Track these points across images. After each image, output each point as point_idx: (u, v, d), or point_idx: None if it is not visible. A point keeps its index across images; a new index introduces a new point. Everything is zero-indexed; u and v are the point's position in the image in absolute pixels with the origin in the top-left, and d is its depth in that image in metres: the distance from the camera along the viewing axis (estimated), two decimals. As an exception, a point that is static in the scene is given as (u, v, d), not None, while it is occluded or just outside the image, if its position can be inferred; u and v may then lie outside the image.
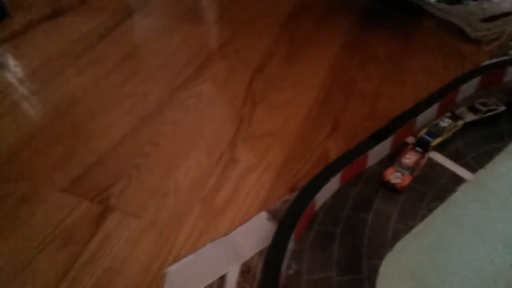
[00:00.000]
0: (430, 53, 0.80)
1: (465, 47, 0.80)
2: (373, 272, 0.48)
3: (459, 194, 0.55)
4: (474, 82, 0.69)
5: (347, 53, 0.81)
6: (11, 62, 0.82)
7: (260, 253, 0.50)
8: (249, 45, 0.83)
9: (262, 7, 0.93)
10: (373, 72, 0.77)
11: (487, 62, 0.74)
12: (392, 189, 0.56)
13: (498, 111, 0.65)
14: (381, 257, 0.49)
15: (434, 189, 0.56)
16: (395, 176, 0.56)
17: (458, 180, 0.57)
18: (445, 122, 0.63)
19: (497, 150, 0.60)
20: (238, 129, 0.67)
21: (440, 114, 0.65)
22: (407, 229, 0.52)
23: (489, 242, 0.50)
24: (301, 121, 0.67)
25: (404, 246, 0.50)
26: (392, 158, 0.59)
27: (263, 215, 0.54)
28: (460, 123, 0.63)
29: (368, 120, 0.67)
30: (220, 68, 0.79)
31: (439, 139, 0.61)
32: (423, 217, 0.53)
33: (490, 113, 0.64)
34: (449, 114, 0.64)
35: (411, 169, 0.57)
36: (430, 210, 0.54)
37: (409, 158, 0.58)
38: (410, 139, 0.63)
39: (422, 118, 0.64)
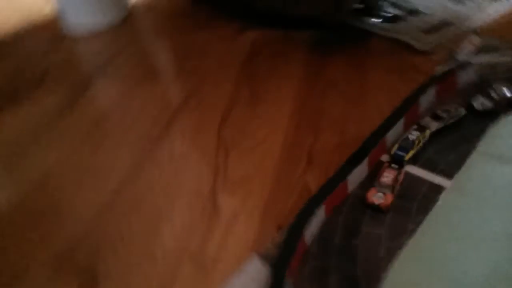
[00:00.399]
0: (385, 70, 0.83)
1: (416, 59, 0.84)
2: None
3: (441, 203, 0.56)
4: (432, 91, 0.72)
5: (308, 84, 0.83)
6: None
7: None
8: (211, 93, 0.84)
9: (217, 53, 0.96)
10: (336, 98, 0.79)
11: (440, 71, 0.78)
12: (377, 209, 0.57)
13: (460, 115, 0.68)
14: (378, 279, 0.49)
15: (417, 202, 0.57)
16: (377, 197, 0.57)
17: (438, 189, 0.58)
18: (413, 135, 0.65)
19: (467, 153, 0.62)
20: (216, 178, 0.67)
21: (407, 128, 0.67)
22: (399, 246, 0.51)
23: (481, 244, 0.51)
24: (276, 160, 0.68)
25: (398, 267, 0.50)
26: (371, 179, 0.60)
27: (255, 260, 0.54)
28: (427, 133, 0.65)
29: (340, 147, 0.68)
30: (187, 121, 0.79)
31: (411, 152, 0.63)
32: (412, 232, 0.53)
33: (452, 120, 0.67)
34: (415, 126, 0.67)
35: (391, 187, 0.58)
36: (418, 223, 0.54)
37: (387, 176, 0.59)
38: (385, 157, 0.64)
39: (391, 134, 0.65)
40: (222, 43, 0.99)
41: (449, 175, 0.60)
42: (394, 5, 0.96)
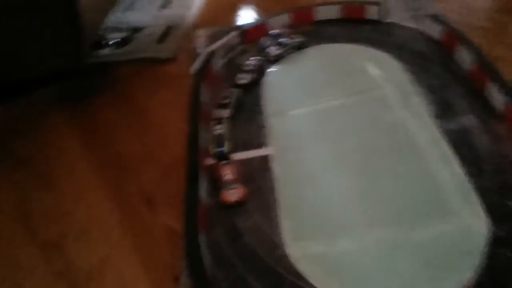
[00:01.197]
0: (152, 90, 0.85)
1: (168, 68, 0.89)
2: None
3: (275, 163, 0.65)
4: (204, 87, 0.79)
5: (93, 141, 0.77)
6: None
7: None
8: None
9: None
10: (128, 136, 0.76)
11: (195, 68, 0.85)
12: (238, 204, 0.61)
13: (238, 96, 0.77)
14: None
15: (259, 180, 0.64)
16: (232, 194, 0.61)
17: (265, 159, 0.66)
18: (218, 129, 0.70)
19: (256, 121, 0.73)
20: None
21: (207, 127, 0.72)
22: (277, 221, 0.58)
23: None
24: (121, 225, 0.63)
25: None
26: (215, 185, 0.63)
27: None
28: (225, 121, 0.72)
29: (165, 176, 0.68)
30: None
31: (227, 143, 0.69)
32: (274, 205, 0.60)
33: (234, 101, 0.76)
34: (212, 122, 0.72)
35: (233, 180, 0.63)
36: (276, 191, 0.62)
37: (227, 174, 0.64)
38: (209, 161, 0.68)
39: (201, 139, 0.69)
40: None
41: (261, 144, 0.69)
42: (115, 29, 0.97)
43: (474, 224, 0.54)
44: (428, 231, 0.54)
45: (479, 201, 0.55)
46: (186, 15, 1.00)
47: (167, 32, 0.96)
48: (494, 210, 0.55)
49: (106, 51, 0.92)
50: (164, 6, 1.04)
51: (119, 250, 0.60)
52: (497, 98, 0.65)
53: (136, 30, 0.97)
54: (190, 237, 0.55)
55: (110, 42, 0.94)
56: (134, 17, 1.01)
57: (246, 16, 1.02)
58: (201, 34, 0.93)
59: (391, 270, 0.51)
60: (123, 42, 0.94)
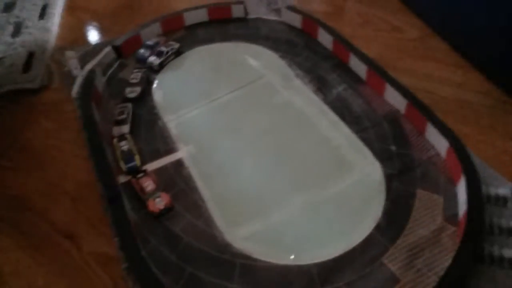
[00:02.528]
0: (30, 121, 0.77)
1: (44, 97, 0.82)
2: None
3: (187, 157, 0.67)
4: (95, 110, 0.75)
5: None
6: None
7: None
8: None
9: None
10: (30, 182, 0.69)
11: (76, 91, 0.80)
12: (167, 211, 0.61)
13: (130, 110, 0.76)
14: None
15: (180, 183, 0.65)
16: (158, 203, 0.61)
17: (179, 162, 0.68)
18: (123, 145, 0.69)
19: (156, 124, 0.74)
20: None
21: (111, 146, 0.70)
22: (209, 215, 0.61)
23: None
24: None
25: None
26: (139, 200, 0.62)
27: None
28: (128, 136, 0.71)
29: (77, 210, 0.64)
30: None
31: (137, 157, 0.68)
32: (202, 201, 0.62)
33: (129, 115, 0.75)
34: (116, 139, 0.70)
35: (155, 189, 0.63)
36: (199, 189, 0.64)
37: (147, 185, 0.63)
38: (123, 178, 0.66)
39: (109, 160, 0.67)
40: None
41: (169, 150, 0.70)
42: (-37, 66, 0.85)
43: (370, 170, 0.65)
44: (338, 185, 0.63)
45: (369, 151, 0.67)
46: (48, 39, 0.92)
47: (31, 59, 0.88)
48: (380, 155, 0.67)
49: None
50: (16, 32, 0.95)
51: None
52: (359, 67, 0.79)
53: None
54: (132, 254, 0.54)
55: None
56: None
57: (106, 32, 0.99)
58: (72, 55, 0.87)
59: (318, 224, 0.59)
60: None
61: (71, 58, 0.88)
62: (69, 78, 0.84)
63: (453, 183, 0.62)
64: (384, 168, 0.65)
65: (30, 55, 0.89)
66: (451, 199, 0.60)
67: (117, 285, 0.55)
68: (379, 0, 1.03)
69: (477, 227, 0.54)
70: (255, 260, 0.55)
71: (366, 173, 0.64)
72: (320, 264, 0.55)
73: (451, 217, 0.58)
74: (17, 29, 0.96)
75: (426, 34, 0.92)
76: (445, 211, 0.59)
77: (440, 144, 0.65)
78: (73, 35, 0.99)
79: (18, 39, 0.93)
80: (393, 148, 0.67)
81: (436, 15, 0.91)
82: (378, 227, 0.58)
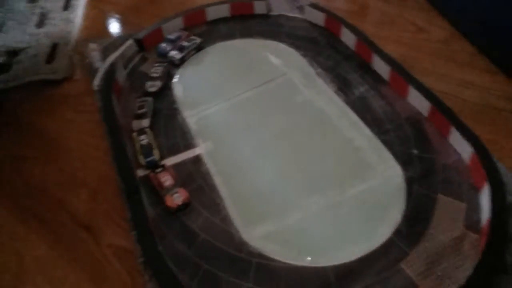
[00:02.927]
0: (53, 112, 0.78)
1: (65, 88, 0.83)
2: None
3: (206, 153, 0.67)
4: (116, 103, 0.76)
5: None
6: None
7: None
8: None
9: None
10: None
11: (97, 84, 0.81)
12: (185, 207, 0.61)
13: (151, 106, 0.77)
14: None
15: (198, 179, 0.65)
16: (176, 198, 0.61)
17: (197, 158, 0.68)
18: (142, 139, 0.69)
19: (176, 119, 0.74)
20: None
21: (129, 139, 0.70)
22: (226, 213, 0.61)
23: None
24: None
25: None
26: (157, 195, 0.63)
27: None
28: (147, 130, 0.71)
29: (96, 203, 0.65)
30: None
31: (156, 151, 0.68)
32: (219, 198, 0.62)
33: (151, 110, 0.75)
34: (135, 133, 0.71)
35: (173, 185, 0.63)
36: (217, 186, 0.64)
37: (166, 180, 0.63)
38: (141, 172, 0.67)
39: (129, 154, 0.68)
40: None
41: (189, 145, 0.70)
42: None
43: (391, 173, 0.64)
44: (358, 188, 0.62)
45: (389, 154, 0.66)
46: (71, 30, 0.93)
47: (54, 50, 0.89)
48: (401, 158, 0.65)
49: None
50: (41, 23, 0.96)
51: (69, 286, 0.55)
52: (382, 67, 0.77)
53: (14, 53, 0.88)
54: (149, 249, 0.54)
55: (-12, 70, 0.84)
56: (9, 39, 0.91)
57: (128, 25, 1.00)
58: (95, 48, 0.88)
59: (336, 226, 0.58)
60: (2, 67, 0.85)
61: (94, 50, 0.89)
62: (91, 70, 0.85)
63: (476, 190, 0.60)
64: (405, 172, 0.63)
65: (54, 46, 0.90)
66: (474, 206, 0.59)
67: (134, 279, 0.55)
68: (404, 0, 1.01)
69: (500, 236, 0.53)
70: (272, 259, 0.55)
71: (387, 176, 0.63)
72: (337, 267, 0.54)
73: (473, 224, 0.56)
74: (42, 20, 0.97)
75: (453, 35, 0.90)
76: (467, 218, 0.57)
77: (464, 149, 0.64)
78: (95, 27, 0.99)
79: (42, 30, 0.94)
80: (414, 151, 0.66)
81: (463, 17, 0.89)
82: (397, 232, 0.57)
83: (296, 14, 0.95)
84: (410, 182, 0.62)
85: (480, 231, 0.56)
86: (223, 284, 0.53)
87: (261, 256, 0.55)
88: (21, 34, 0.93)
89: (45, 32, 0.93)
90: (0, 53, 0.88)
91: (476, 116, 0.72)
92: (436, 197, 0.60)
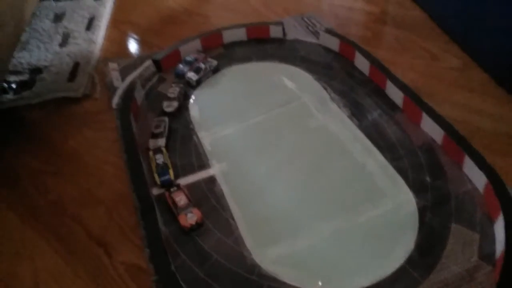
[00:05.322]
0: (71, 129, 0.81)
1: (85, 106, 0.85)
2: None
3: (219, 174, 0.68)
4: (132, 122, 0.78)
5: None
6: None
7: None
8: None
9: None
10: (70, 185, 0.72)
11: (116, 102, 0.83)
12: (198, 227, 0.62)
13: (166, 123, 0.78)
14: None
15: (212, 200, 0.66)
16: (190, 218, 0.62)
17: (211, 179, 0.69)
18: (158, 158, 0.71)
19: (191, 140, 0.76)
20: None
21: (146, 157, 0.72)
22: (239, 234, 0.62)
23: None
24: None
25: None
26: (171, 214, 0.64)
27: None
28: (163, 150, 0.72)
29: (111, 215, 0.66)
30: None
31: (171, 171, 0.69)
32: (232, 219, 0.63)
33: (166, 129, 0.77)
34: (151, 152, 0.72)
35: (187, 205, 0.64)
36: (230, 207, 0.65)
37: (180, 200, 0.64)
38: (156, 191, 0.68)
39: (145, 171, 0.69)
40: None
41: (202, 166, 0.72)
42: (13, 72, 0.90)
43: (403, 200, 0.64)
44: (370, 213, 0.62)
45: (402, 181, 0.66)
46: (93, 50, 0.97)
47: (76, 69, 0.92)
48: (414, 185, 0.66)
49: (9, 96, 0.85)
50: (64, 42, 0.99)
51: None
52: (395, 93, 0.78)
53: (37, 70, 0.91)
54: (162, 267, 0.55)
55: (13, 86, 0.86)
56: (33, 57, 0.94)
57: (147, 46, 1.03)
58: (114, 67, 0.91)
59: (348, 251, 0.59)
60: (26, 84, 0.88)
61: (113, 70, 0.91)
62: (110, 89, 0.88)
63: (490, 220, 0.60)
64: (418, 199, 0.63)
65: (75, 65, 0.93)
66: (488, 236, 0.58)
67: (147, 298, 0.56)
68: (418, 27, 1.02)
69: (515, 269, 0.52)
70: (283, 283, 0.55)
71: (399, 203, 0.63)
72: (349, 293, 0.54)
73: (487, 255, 0.56)
74: (65, 39, 1.00)
75: (466, 63, 0.90)
76: (481, 248, 0.57)
77: (477, 178, 0.64)
78: (116, 47, 1.03)
79: (65, 49, 0.97)
80: (428, 179, 0.66)
81: (477, 45, 0.90)
82: (409, 260, 0.56)
83: (311, 39, 0.97)
84: (423, 210, 0.62)
85: (495, 262, 0.55)
86: (234, 306, 0.54)
87: (272, 279, 0.56)
88: (44, 53, 0.96)
89: (68, 51, 0.96)
90: (24, 71, 0.91)
91: (489, 144, 0.72)
92: (449, 226, 0.60)
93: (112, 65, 0.92)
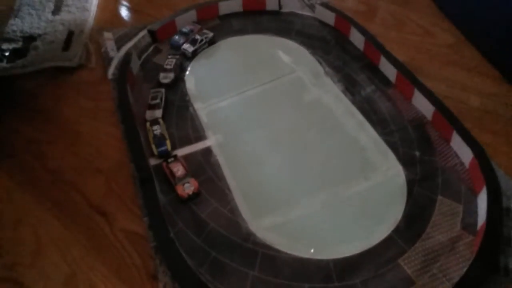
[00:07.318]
0: (67, 99, 0.81)
1: (82, 75, 0.85)
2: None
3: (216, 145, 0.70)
4: (129, 91, 0.78)
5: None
6: None
7: None
8: None
9: None
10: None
11: (112, 72, 0.83)
12: (195, 196, 0.64)
13: (162, 95, 0.79)
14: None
15: (208, 170, 0.68)
16: (187, 188, 0.64)
17: (208, 150, 0.71)
18: (155, 129, 0.72)
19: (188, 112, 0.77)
20: None
21: (142, 128, 0.73)
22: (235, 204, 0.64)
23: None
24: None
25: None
26: (168, 184, 0.66)
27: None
28: (160, 121, 0.74)
29: (110, 184, 0.68)
30: None
31: (168, 142, 0.71)
32: (228, 189, 0.65)
33: (163, 100, 0.78)
34: (148, 123, 0.73)
35: (185, 175, 0.66)
36: (226, 177, 0.67)
37: (178, 170, 0.66)
38: (154, 161, 0.69)
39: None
40: None
41: (198, 137, 0.73)
42: (6, 40, 0.89)
43: (393, 173, 0.66)
44: (361, 186, 0.65)
45: (393, 155, 0.69)
46: (86, 18, 0.95)
47: (70, 38, 0.91)
48: (404, 159, 0.68)
49: (3, 63, 0.84)
50: (56, 10, 0.97)
51: (84, 266, 0.59)
52: (389, 69, 0.80)
53: (31, 38, 0.90)
54: (161, 235, 0.57)
55: (6, 54, 0.85)
56: (26, 25, 0.93)
57: (142, 16, 1.01)
58: (109, 37, 0.90)
59: (339, 222, 0.61)
60: (20, 52, 0.87)
61: (109, 40, 0.91)
62: (106, 59, 0.87)
63: (474, 193, 0.63)
64: (407, 173, 0.66)
65: (69, 34, 0.92)
66: (471, 208, 0.61)
67: (145, 262, 0.58)
68: (413, 3, 1.02)
69: (494, 239, 0.56)
70: (277, 251, 0.58)
71: (389, 176, 0.66)
72: (338, 260, 0.57)
73: (469, 226, 0.59)
74: (58, 7, 0.98)
75: (459, 41, 0.92)
76: (464, 220, 0.60)
77: (464, 153, 0.67)
78: (109, 16, 1.01)
79: (58, 17, 0.96)
80: (417, 153, 0.69)
81: (470, 23, 0.90)
82: (397, 230, 0.60)
83: (307, 12, 0.97)
84: (411, 183, 0.65)
85: (476, 233, 0.59)
86: (230, 272, 0.56)
87: (266, 247, 0.58)
88: (37, 20, 0.94)
89: (61, 19, 0.95)
90: (17, 38, 0.90)
91: (478, 121, 0.74)
92: (435, 198, 0.63)
93: (107, 35, 0.91)
